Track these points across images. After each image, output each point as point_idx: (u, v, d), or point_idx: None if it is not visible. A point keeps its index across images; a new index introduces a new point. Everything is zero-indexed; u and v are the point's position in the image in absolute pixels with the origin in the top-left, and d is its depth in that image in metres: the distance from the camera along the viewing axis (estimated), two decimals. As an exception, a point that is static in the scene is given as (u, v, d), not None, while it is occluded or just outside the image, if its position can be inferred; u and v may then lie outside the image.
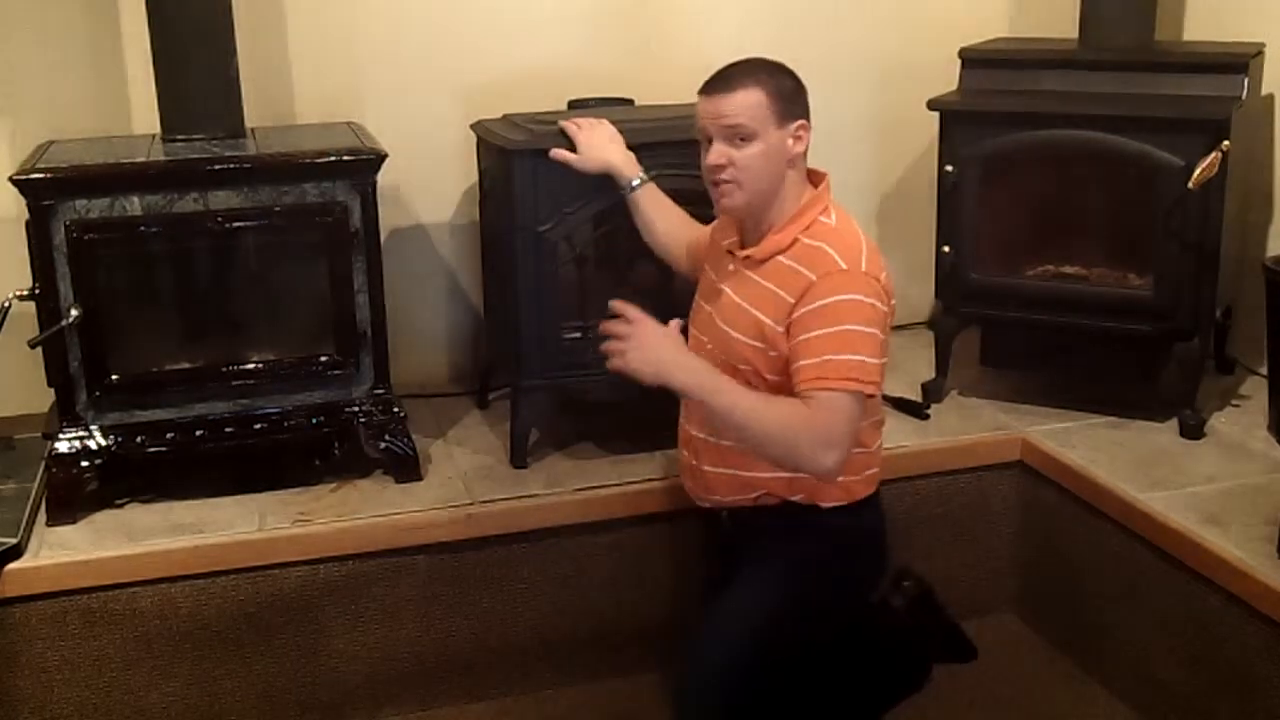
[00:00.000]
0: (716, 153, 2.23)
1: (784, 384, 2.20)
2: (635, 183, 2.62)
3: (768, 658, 2.25)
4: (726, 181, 2.24)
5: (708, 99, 2.24)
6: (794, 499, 2.32)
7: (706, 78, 2.27)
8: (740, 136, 2.21)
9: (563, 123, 2.70)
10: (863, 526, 2.38)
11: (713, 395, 2.14)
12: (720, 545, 2.46)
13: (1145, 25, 3.17)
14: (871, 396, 2.18)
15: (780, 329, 2.20)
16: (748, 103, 2.20)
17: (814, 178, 2.33)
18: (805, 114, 2.27)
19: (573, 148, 2.66)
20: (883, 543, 2.44)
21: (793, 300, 2.19)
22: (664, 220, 2.61)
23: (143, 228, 2.62)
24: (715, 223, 2.47)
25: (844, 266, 2.18)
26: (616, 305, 2.20)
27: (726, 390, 2.14)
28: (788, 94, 2.23)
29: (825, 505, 2.33)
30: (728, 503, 2.37)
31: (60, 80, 3.03)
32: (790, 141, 2.24)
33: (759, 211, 2.27)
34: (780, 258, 2.24)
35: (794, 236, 2.25)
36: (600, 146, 2.64)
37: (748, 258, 2.27)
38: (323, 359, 2.77)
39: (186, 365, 2.77)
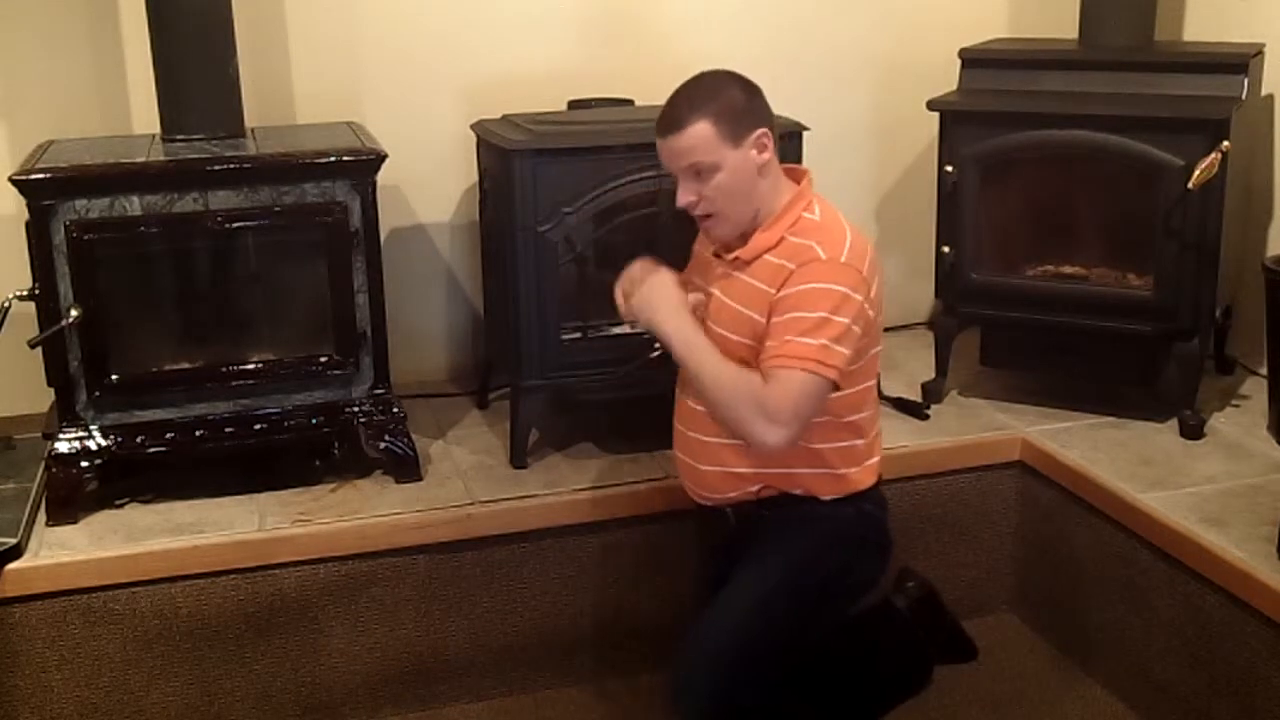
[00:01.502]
0: (684, 191, 2.24)
1: None
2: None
3: (769, 647, 2.25)
4: (704, 216, 2.26)
5: (660, 142, 2.23)
6: (794, 492, 2.32)
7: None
8: (699, 171, 2.21)
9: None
10: (865, 516, 2.38)
11: (686, 350, 2.23)
12: (724, 544, 2.46)
13: (1145, 25, 3.17)
14: (836, 383, 2.17)
15: (763, 320, 2.21)
16: (696, 139, 2.18)
17: (795, 175, 2.33)
18: (763, 120, 2.23)
19: None
20: (885, 532, 2.44)
21: (773, 290, 2.20)
22: None
23: (142, 228, 2.62)
24: (696, 241, 2.48)
25: (824, 256, 2.19)
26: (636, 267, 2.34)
27: (699, 349, 2.22)
28: (736, 112, 2.20)
29: (826, 497, 2.33)
30: (732, 499, 2.37)
31: (60, 80, 3.04)
32: (754, 153, 2.22)
33: (748, 221, 2.27)
34: (767, 256, 2.25)
35: (780, 235, 2.25)
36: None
37: (735, 259, 2.27)
38: (322, 359, 2.77)
39: (186, 365, 2.78)
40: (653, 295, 2.28)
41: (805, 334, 2.14)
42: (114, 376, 2.65)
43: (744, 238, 2.29)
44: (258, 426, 2.74)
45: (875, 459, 2.40)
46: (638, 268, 2.34)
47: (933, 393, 3.18)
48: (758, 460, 2.28)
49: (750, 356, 2.23)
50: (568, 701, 2.81)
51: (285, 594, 2.64)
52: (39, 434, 2.77)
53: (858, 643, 2.46)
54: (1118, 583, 2.74)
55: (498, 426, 3.08)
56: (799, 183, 2.31)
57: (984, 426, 3.06)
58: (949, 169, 3.06)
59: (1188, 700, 2.57)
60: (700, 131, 2.17)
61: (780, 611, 2.28)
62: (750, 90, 2.25)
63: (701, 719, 2.23)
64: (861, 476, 2.36)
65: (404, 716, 2.77)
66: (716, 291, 2.31)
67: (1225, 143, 2.78)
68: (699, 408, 2.34)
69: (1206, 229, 2.86)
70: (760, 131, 2.22)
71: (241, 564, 2.60)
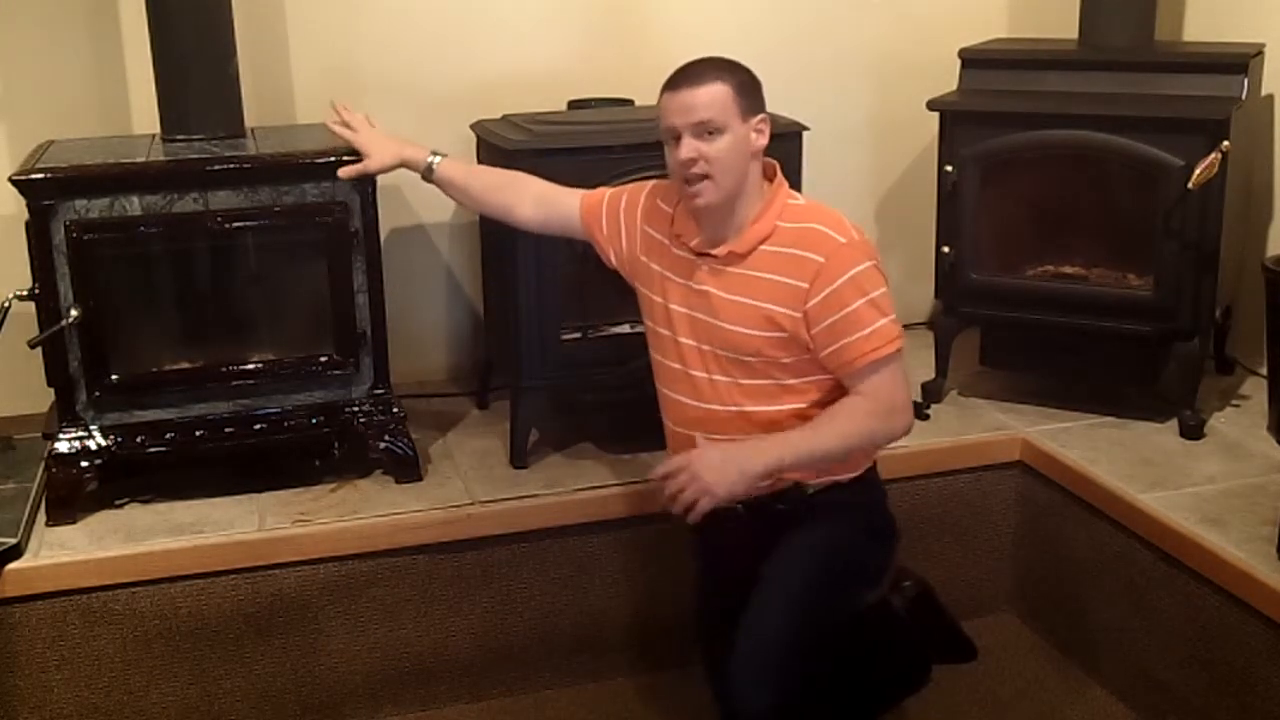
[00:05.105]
0: (688, 148, 2.23)
1: (801, 362, 2.24)
2: (436, 160, 2.58)
3: (817, 639, 2.26)
4: (701, 177, 2.24)
5: (674, 94, 2.24)
6: (805, 481, 2.32)
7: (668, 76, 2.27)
8: (709, 131, 2.22)
9: (334, 127, 2.67)
10: (876, 505, 2.42)
11: (793, 459, 2.21)
12: (732, 543, 2.44)
13: (1145, 25, 3.17)
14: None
15: (797, 314, 2.21)
16: (715, 97, 2.21)
17: (766, 170, 2.35)
18: (764, 109, 2.30)
19: (358, 160, 2.63)
20: (894, 522, 2.45)
21: (805, 285, 2.21)
22: (480, 181, 2.61)
23: (142, 228, 2.62)
24: (646, 210, 2.43)
25: (842, 240, 2.22)
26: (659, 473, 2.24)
27: (796, 443, 2.21)
28: (749, 89, 2.26)
29: (840, 480, 2.34)
30: (739, 495, 2.36)
31: (60, 80, 3.04)
32: (753, 135, 2.26)
33: (730, 206, 2.27)
34: (765, 247, 2.25)
35: (772, 224, 2.27)
36: (383, 142, 2.63)
37: (730, 253, 2.27)
38: (322, 359, 2.77)
39: (186, 365, 2.78)
40: (720, 476, 2.17)
41: (878, 317, 2.20)
42: (114, 376, 2.65)
43: (731, 230, 2.28)
44: (258, 426, 2.74)
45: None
46: (675, 478, 2.19)
47: (933, 393, 3.18)
48: None
49: (767, 345, 2.24)
50: (568, 701, 2.81)
51: (285, 594, 2.64)
52: (39, 434, 2.77)
53: (856, 641, 2.46)
54: (1118, 583, 2.74)
55: (498, 426, 3.08)
56: (773, 178, 2.33)
57: (984, 426, 3.07)
58: (949, 169, 3.07)
59: (1188, 700, 2.57)
60: (720, 90, 2.21)
61: (822, 602, 2.29)
62: (757, 79, 2.30)
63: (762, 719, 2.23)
64: (865, 456, 2.38)
65: (404, 716, 2.77)
66: (711, 289, 2.29)
67: (1225, 143, 2.78)
68: (703, 405, 2.33)
69: (1206, 229, 2.87)
70: (762, 117, 2.28)
71: (241, 564, 2.60)
